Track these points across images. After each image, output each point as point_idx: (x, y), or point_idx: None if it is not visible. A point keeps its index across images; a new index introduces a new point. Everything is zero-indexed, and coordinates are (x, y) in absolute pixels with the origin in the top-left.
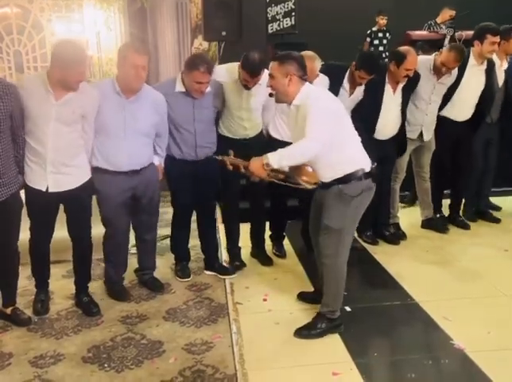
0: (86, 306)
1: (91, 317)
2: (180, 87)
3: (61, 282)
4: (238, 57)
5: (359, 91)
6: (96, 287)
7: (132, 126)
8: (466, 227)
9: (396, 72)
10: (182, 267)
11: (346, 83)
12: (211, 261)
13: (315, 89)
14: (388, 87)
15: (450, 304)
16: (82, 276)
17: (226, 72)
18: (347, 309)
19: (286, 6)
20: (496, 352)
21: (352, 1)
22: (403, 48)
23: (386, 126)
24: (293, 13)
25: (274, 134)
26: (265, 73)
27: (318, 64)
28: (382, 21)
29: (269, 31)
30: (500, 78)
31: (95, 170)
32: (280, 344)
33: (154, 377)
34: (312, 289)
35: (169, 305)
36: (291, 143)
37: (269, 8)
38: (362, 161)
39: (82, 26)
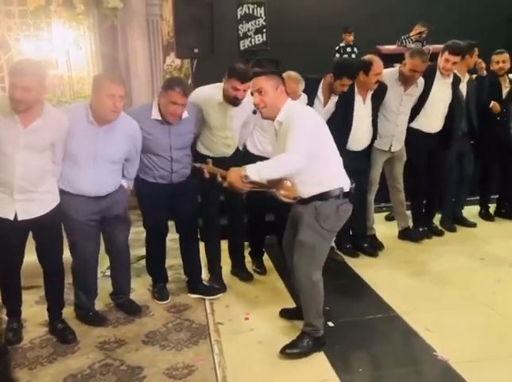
0: (61, 333)
1: (66, 344)
2: (156, 115)
3: (34, 309)
4: (210, 74)
5: (332, 103)
6: (70, 313)
7: (103, 154)
8: (440, 234)
9: (366, 80)
10: (159, 289)
11: (320, 95)
12: (195, 284)
13: (297, 106)
14: (358, 97)
15: (430, 315)
16: (55, 302)
17: (212, 90)
18: (330, 324)
19: (257, 23)
20: (480, 363)
21: (322, 18)
22: (367, 57)
23: (359, 137)
24: (264, 30)
25: (252, 150)
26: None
27: (302, 85)
28: (349, 37)
29: (241, 47)
30: (464, 91)
31: (61, 193)
32: (264, 364)
33: None
34: (294, 305)
35: (148, 328)
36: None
37: (241, 25)
38: (342, 180)
39: (51, 45)
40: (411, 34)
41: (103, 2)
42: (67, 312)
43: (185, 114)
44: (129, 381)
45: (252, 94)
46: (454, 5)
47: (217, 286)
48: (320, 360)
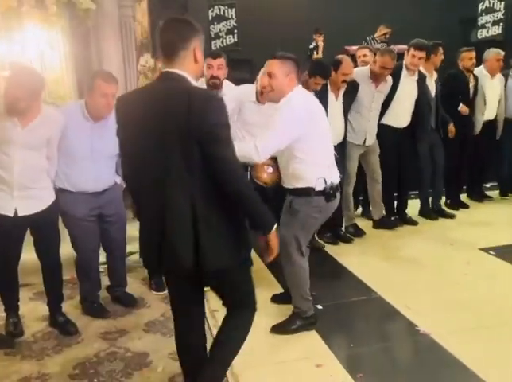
0: (63, 326)
1: (69, 336)
2: None
3: (30, 306)
4: None
5: (341, 95)
6: (68, 306)
7: (99, 149)
8: (413, 223)
9: (335, 78)
10: (157, 280)
11: (330, 91)
12: None
13: (298, 96)
14: (331, 95)
15: (409, 294)
16: (55, 296)
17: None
18: (319, 307)
19: (228, 24)
20: (458, 334)
21: (292, 19)
22: (339, 56)
23: (334, 133)
24: (236, 31)
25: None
26: (228, 84)
27: None
28: (320, 38)
29: (213, 48)
30: (432, 89)
31: (61, 191)
32: (261, 344)
33: None
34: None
35: (147, 318)
36: None
37: (212, 26)
38: (318, 180)
39: (23, 47)
40: (376, 35)
41: (76, 4)
42: (65, 306)
43: None
44: (137, 365)
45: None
46: (412, 7)
47: None
48: (313, 338)
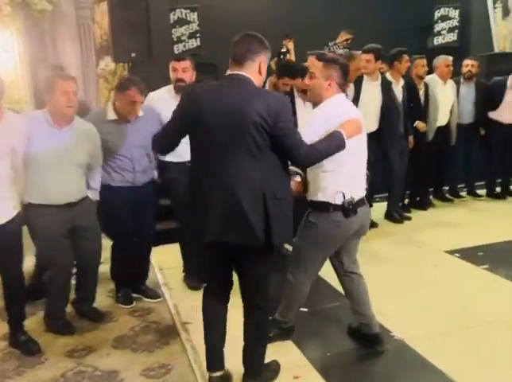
0: (24, 345)
1: (31, 356)
2: (112, 116)
3: None
4: (146, 78)
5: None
6: (30, 323)
7: (67, 157)
8: (374, 225)
9: (302, 84)
10: (124, 294)
11: (297, 97)
12: (140, 284)
13: (332, 105)
14: (298, 100)
15: (382, 300)
16: (16, 314)
17: (163, 89)
18: (304, 310)
19: (191, 28)
20: (431, 338)
21: (255, 23)
22: (307, 63)
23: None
24: (198, 35)
25: None
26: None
27: None
28: (290, 42)
29: (176, 52)
30: (399, 95)
31: (30, 207)
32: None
33: None
34: None
35: (115, 333)
36: None
37: (174, 29)
38: (337, 194)
39: None
40: (338, 41)
41: (31, 4)
42: (27, 322)
43: (140, 113)
44: None
45: None
46: (372, 14)
47: (155, 291)
48: (289, 347)
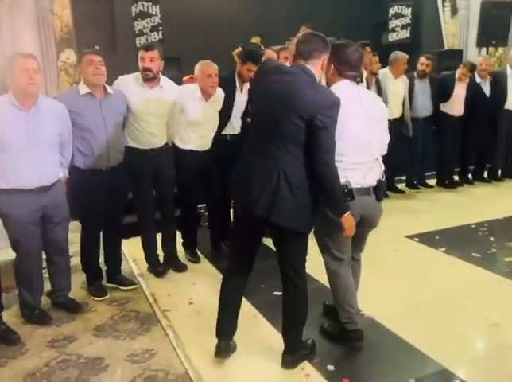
0: (3, 335)
1: (12, 346)
2: (83, 90)
3: None
4: (110, 70)
5: (246, 89)
6: (5, 317)
7: (36, 138)
8: None
9: (242, 70)
10: (96, 287)
11: (237, 84)
12: (114, 273)
13: (337, 91)
14: (237, 88)
15: None
16: None
17: (132, 76)
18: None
19: (153, 21)
20: (399, 315)
21: (218, 17)
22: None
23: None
24: (160, 28)
25: (182, 146)
26: (166, 80)
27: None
28: (257, 41)
29: (138, 45)
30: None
31: (2, 192)
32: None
33: None
34: None
35: (95, 323)
36: (201, 152)
37: (136, 22)
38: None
39: None
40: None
41: None
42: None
43: (111, 91)
44: (92, 371)
45: None
46: (332, 10)
47: (130, 278)
48: (265, 327)
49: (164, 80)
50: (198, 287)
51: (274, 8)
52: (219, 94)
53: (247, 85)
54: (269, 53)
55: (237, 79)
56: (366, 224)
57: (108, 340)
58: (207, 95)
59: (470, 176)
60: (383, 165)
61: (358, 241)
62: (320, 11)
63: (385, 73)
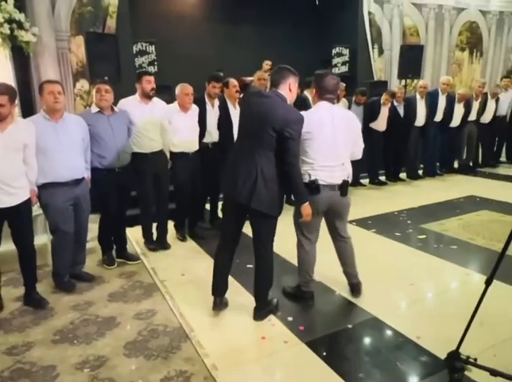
0: (38, 302)
1: (43, 310)
2: (95, 109)
3: (2, 291)
4: (117, 95)
5: (216, 106)
6: (39, 287)
7: (65, 142)
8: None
9: (229, 92)
10: (108, 256)
11: (207, 101)
12: (121, 251)
13: (311, 110)
14: (230, 105)
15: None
16: (30, 277)
17: (129, 99)
18: (249, 266)
19: (150, 57)
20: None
21: (201, 56)
22: (227, 79)
23: (210, 135)
24: (156, 63)
25: (175, 150)
26: (158, 102)
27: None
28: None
29: None
30: None
31: (43, 187)
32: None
33: (119, 341)
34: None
35: (108, 291)
36: (190, 154)
37: (136, 58)
38: (303, 175)
39: None
40: (264, 69)
41: (17, 37)
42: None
43: (117, 110)
44: (108, 327)
45: None
46: (286, 49)
47: (135, 255)
48: (240, 291)
49: (155, 98)
50: (188, 263)
51: (240, 48)
52: (195, 108)
53: (217, 101)
54: (233, 80)
55: (206, 98)
56: (333, 214)
57: (119, 303)
58: (184, 109)
59: (392, 176)
60: (350, 169)
61: (332, 226)
62: (277, 50)
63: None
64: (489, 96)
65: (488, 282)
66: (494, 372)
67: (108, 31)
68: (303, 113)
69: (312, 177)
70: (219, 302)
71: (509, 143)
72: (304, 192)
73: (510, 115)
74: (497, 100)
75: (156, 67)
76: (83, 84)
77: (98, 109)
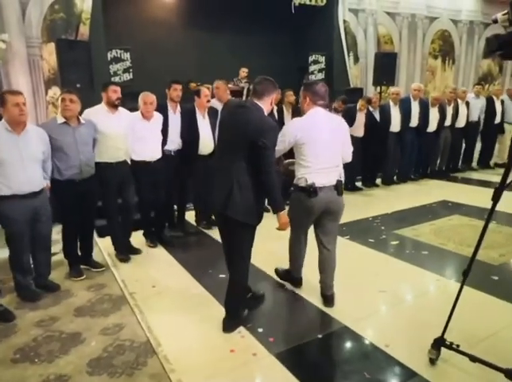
0: (2, 314)
1: (9, 322)
2: (60, 120)
3: None
4: (89, 103)
5: (178, 112)
6: (3, 302)
7: (26, 155)
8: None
9: (200, 101)
10: (75, 269)
11: (169, 107)
12: (87, 258)
13: (310, 115)
14: (198, 114)
15: (272, 262)
16: None
17: (95, 109)
18: (221, 276)
19: (125, 65)
20: (313, 285)
21: (176, 62)
22: (199, 88)
23: (205, 143)
24: (131, 70)
25: (137, 158)
26: (124, 111)
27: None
28: (193, 85)
29: None
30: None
31: (0, 199)
32: (176, 312)
33: (83, 359)
34: (185, 270)
35: (75, 305)
36: (152, 163)
37: (111, 65)
38: (300, 179)
39: None
40: (240, 76)
41: None
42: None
43: (83, 121)
44: (72, 344)
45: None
46: (263, 56)
47: (100, 263)
48: (211, 302)
49: (120, 107)
50: (160, 274)
51: (216, 55)
52: (159, 116)
53: (179, 108)
54: (206, 91)
55: (169, 104)
56: (328, 212)
57: (86, 318)
58: (147, 117)
59: (369, 181)
60: (342, 169)
61: (327, 232)
62: (254, 57)
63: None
64: (459, 101)
65: (466, 274)
66: (473, 358)
67: (81, 38)
68: (300, 119)
69: (309, 181)
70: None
71: (481, 149)
72: (281, 200)
73: (484, 122)
74: (467, 105)
75: (131, 74)
76: (55, 92)
77: (63, 120)
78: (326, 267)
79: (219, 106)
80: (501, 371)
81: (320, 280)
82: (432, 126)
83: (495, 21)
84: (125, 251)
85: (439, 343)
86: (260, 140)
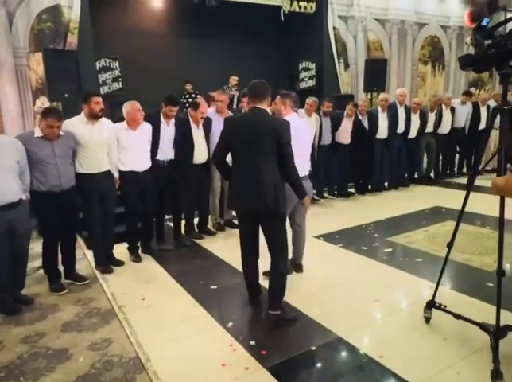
0: None
1: None
2: (38, 133)
3: None
4: (76, 112)
5: (172, 124)
6: None
7: (1, 165)
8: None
9: (195, 115)
10: (56, 284)
11: (162, 119)
12: (70, 272)
13: (291, 118)
14: (193, 126)
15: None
16: None
17: (75, 120)
18: (214, 287)
19: (114, 74)
20: (306, 296)
21: (165, 70)
22: (198, 99)
23: (199, 152)
24: (120, 79)
25: (123, 168)
26: (105, 121)
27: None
28: (189, 86)
29: (102, 92)
30: None
31: None
32: (166, 327)
33: (70, 376)
34: (174, 281)
35: (62, 320)
36: (140, 173)
37: (100, 75)
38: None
39: None
40: (231, 84)
41: None
42: None
43: (61, 133)
44: (59, 360)
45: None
46: (253, 63)
47: (84, 275)
48: (204, 315)
49: (102, 118)
50: (149, 286)
51: (206, 63)
52: (146, 125)
53: (173, 120)
54: (204, 105)
55: (162, 116)
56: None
57: (73, 333)
58: (134, 126)
59: (360, 188)
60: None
61: (296, 210)
62: (244, 65)
63: (301, 112)
64: (443, 107)
65: (450, 245)
66: (456, 316)
67: (69, 47)
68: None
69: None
70: (256, 299)
71: (469, 154)
72: (304, 188)
73: (469, 128)
74: (452, 111)
75: (120, 83)
76: (43, 101)
77: (41, 134)
78: (297, 241)
79: (213, 115)
80: (477, 324)
81: (293, 251)
82: (413, 133)
83: (467, 44)
84: (106, 263)
85: (430, 305)
86: (282, 138)
